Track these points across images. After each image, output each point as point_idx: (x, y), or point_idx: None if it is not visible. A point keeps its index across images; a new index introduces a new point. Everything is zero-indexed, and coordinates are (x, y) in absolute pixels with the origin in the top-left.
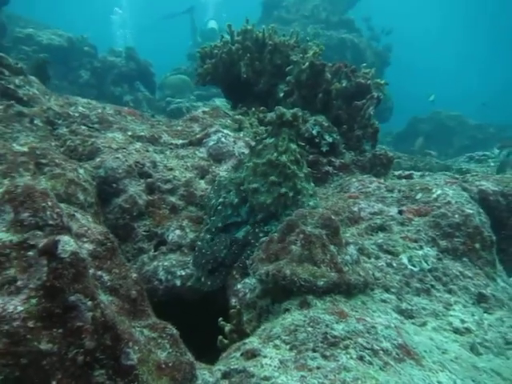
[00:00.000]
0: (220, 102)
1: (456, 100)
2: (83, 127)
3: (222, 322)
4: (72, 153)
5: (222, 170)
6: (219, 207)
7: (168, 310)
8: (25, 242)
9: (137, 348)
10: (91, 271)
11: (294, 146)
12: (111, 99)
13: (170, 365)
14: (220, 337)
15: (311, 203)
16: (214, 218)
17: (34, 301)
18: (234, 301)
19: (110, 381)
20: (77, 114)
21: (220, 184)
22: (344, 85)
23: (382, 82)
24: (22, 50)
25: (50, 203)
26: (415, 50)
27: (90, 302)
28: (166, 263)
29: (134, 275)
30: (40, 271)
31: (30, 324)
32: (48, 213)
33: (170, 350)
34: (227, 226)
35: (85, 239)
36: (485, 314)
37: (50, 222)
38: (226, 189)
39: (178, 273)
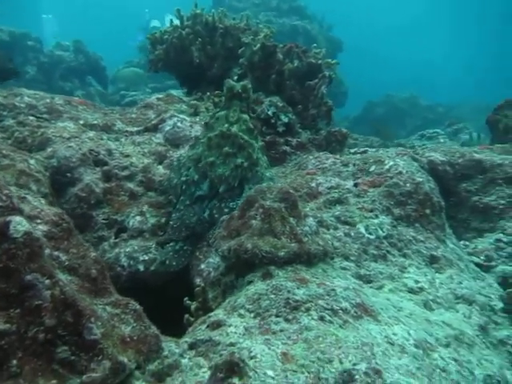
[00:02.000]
0: (177, 93)
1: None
2: (31, 118)
3: (187, 302)
4: (21, 144)
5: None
6: (183, 186)
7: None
8: None
9: (100, 323)
10: (47, 251)
11: (245, 116)
12: (61, 94)
13: (135, 338)
14: (186, 315)
15: (268, 174)
16: (182, 198)
17: None
18: (198, 280)
19: (73, 356)
20: (23, 105)
21: (179, 163)
22: (296, 65)
23: (333, 61)
24: None
25: None
26: (369, 36)
27: (47, 281)
28: (127, 249)
29: (93, 254)
30: None
31: None
32: None
33: (135, 325)
34: (195, 202)
35: (38, 221)
36: (436, 274)
37: (0, 204)
38: (186, 166)
39: (141, 258)
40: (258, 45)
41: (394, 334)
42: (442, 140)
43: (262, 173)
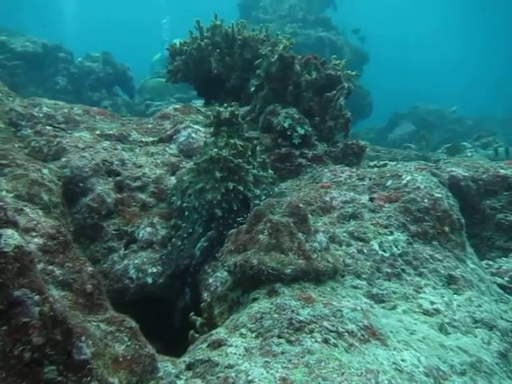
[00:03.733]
0: (199, 103)
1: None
2: (48, 127)
3: (193, 317)
4: (37, 154)
5: None
6: (186, 213)
7: (141, 310)
8: None
9: (91, 342)
10: (40, 266)
11: (233, 141)
12: (89, 105)
13: (129, 358)
14: (191, 331)
15: (277, 189)
16: (184, 225)
17: None
18: (205, 295)
19: (61, 377)
20: (41, 115)
21: (182, 185)
22: (314, 76)
23: (353, 73)
24: None
25: None
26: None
27: (37, 297)
28: (136, 261)
29: (90, 269)
30: None
31: None
32: None
33: (129, 343)
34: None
35: (34, 233)
36: (454, 295)
37: None
38: (187, 192)
39: (150, 270)
40: (276, 56)
41: (403, 360)
42: (469, 154)
43: (268, 190)
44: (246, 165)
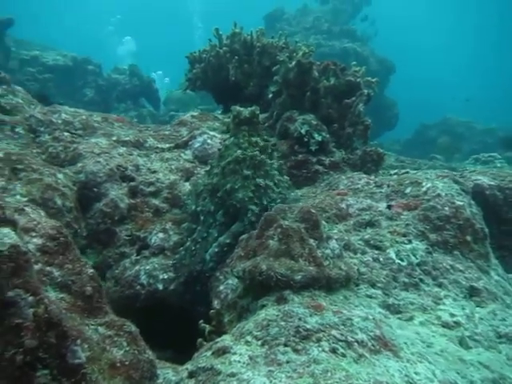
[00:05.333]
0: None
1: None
2: (66, 134)
3: (202, 324)
4: (54, 159)
5: None
6: (201, 217)
7: (152, 317)
8: None
9: (87, 346)
10: (38, 266)
11: (255, 139)
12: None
13: (127, 363)
14: (199, 339)
15: (292, 195)
16: (199, 228)
17: None
18: (215, 302)
19: (54, 381)
20: (60, 121)
21: (197, 189)
22: (332, 82)
23: (374, 79)
24: (28, 72)
25: None
26: (425, 59)
27: (31, 298)
28: (148, 267)
29: (90, 271)
30: None
31: None
32: None
33: (128, 348)
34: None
35: (33, 233)
36: (476, 308)
37: None
38: (202, 196)
39: (161, 276)
40: (294, 62)
41: (416, 374)
42: (498, 165)
43: (284, 194)
44: (268, 160)
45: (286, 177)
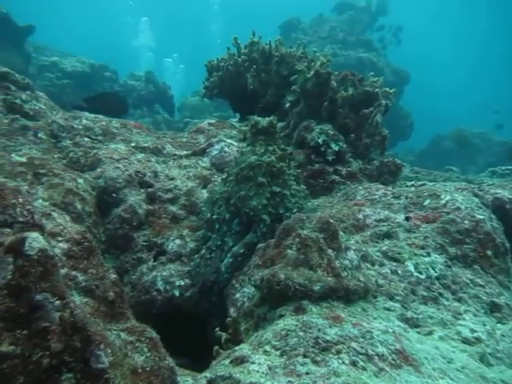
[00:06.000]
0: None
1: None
2: (86, 139)
3: (218, 332)
4: (74, 164)
5: None
6: (216, 224)
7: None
8: None
9: (110, 351)
10: (64, 270)
11: (271, 148)
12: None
13: (148, 369)
14: (216, 347)
15: (309, 204)
16: (214, 236)
17: None
18: (232, 310)
19: None
20: (81, 127)
21: (213, 196)
22: (350, 93)
23: (391, 90)
24: (47, 77)
25: (20, 200)
26: (438, 70)
27: (58, 302)
28: (164, 273)
29: (113, 276)
30: (5, 269)
31: None
32: (18, 210)
33: (149, 354)
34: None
35: (60, 238)
36: (498, 324)
37: (20, 219)
38: (218, 203)
39: (177, 283)
40: (312, 72)
41: None
42: None
43: (301, 203)
44: (287, 169)
45: (302, 186)
